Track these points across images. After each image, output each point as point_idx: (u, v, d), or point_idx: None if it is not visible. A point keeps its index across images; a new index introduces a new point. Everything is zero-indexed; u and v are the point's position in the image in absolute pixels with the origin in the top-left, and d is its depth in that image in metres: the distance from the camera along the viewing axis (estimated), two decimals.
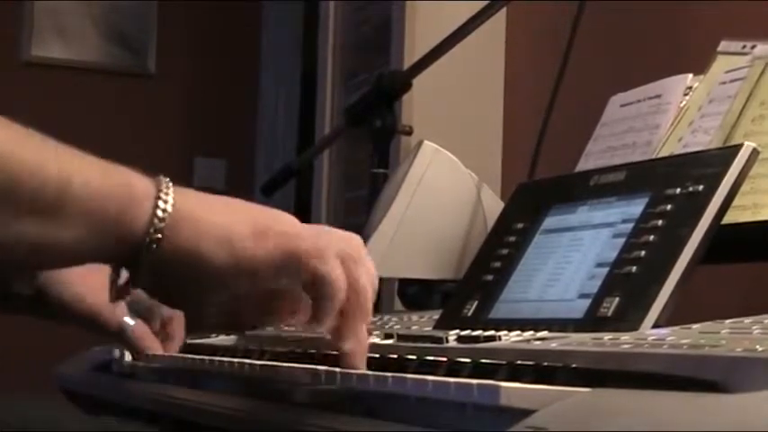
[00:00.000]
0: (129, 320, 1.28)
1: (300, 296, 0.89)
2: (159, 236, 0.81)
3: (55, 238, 0.79)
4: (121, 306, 1.28)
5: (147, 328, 1.29)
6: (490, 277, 1.13)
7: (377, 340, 1.03)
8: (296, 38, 4.33)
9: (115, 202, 0.81)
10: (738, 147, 0.97)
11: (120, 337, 1.29)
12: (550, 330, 0.96)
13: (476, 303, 1.12)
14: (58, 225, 0.79)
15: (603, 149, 1.41)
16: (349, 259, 0.87)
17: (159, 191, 0.82)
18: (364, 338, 0.89)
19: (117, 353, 1.33)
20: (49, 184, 0.78)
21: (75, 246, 0.81)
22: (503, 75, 2.65)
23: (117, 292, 0.87)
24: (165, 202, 0.82)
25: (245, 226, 0.84)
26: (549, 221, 1.12)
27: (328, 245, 0.86)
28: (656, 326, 0.90)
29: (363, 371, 0.85)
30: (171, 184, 0.84)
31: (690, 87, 1.33)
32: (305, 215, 3.31)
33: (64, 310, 1.27)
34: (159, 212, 0.81)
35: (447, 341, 0.94)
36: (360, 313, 0.88)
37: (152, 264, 0.81)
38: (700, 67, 1.33)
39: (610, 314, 0.94)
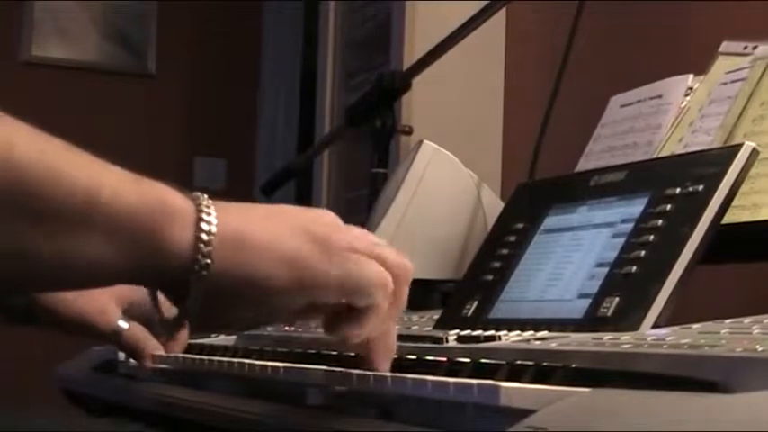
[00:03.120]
0: (122, 323, 1.26)
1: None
2: (208, 260, 0.74)
3: (80, 253, 0.73)
4: (113, 309, 1.27)
5: (143, 330, 1.27)
6: (490, 277, 1.13)
7: None
8: (296, 38, 4.33)
9: (149, 217, 0.74)
10: (738, 147, 0.97)
11: (115, 340, 1.28)
12: (550, 330, 0.97)
13: (476, 303, 1.12)
14: (84, 239, 0.73)
15: (604, 149, 1.41)
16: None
17: (199, 209, 0.76)
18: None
19: (122, 355, 1.33)
20: (76, 195, 0.72)
21: (102, 263, 0.74)
22: (502, 74, 2.65)
23: (169, 328, 0.80)
24: (209, 222, 0.75)
25: (302, 239, 0.78)
26: (549, 221, 1.12)
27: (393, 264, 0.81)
28: (655, 326, 0.90)
29: (365, 371, 0.84)
30: (210, 200, 0.77)
31: (690, 88, 1.33)
32: None
33: (54, 315, 1.25)
34: (204, 235, 0.74)
35: (447, 341, 0.94)
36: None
37: (203, 290, 0.75)
38: (700, 68, 1.33)
39: (610, 314, 0.94)
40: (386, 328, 0.83)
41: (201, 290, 0.75)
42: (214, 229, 0.75)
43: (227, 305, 0.77)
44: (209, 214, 0.75)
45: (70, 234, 0.72)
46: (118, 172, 0.75)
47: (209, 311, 0.77)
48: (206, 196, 0.77)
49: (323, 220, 0.81)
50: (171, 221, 0.74)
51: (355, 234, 0.82)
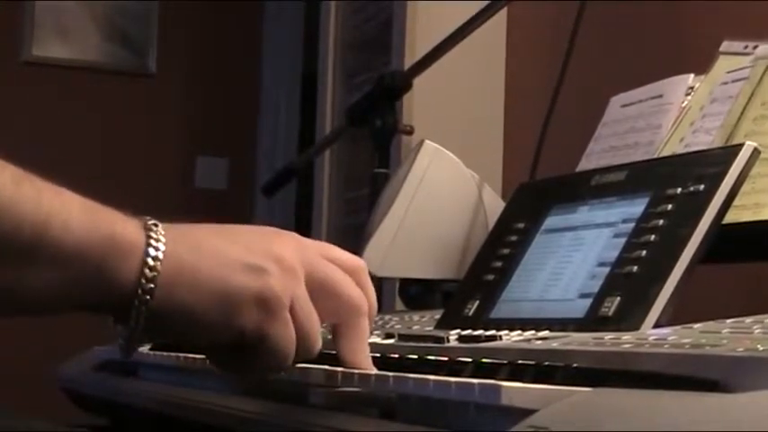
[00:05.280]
0: None
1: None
2: (149, 296, 0.76)
3: (25, 286, 0.74)
4: None
5: None
6: (491, 277, 1.13)
7: (378, 340, 1.03)
8: (297, 37, 4.34)
9: (96, 252, 0.75)
10: (739, 146, 0.97)
11: None
12: (551, 330, 0.96)
13: (477, 303, 1.12)
14: (29, 273, 0.73)
15: (605, 149, 1.41)
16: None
17: (149, 241, 0.77)
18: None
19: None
20: (23, 230, 0.72)
21: (47, 295, 0.75)
22: (504, 74, 2.65)
23: (127, 350, 0.81)
24: (156, 258, 0.76)
25: (245, 280, 0.79)
26: (551, 221, 1.12)
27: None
28: (657, 325, 0.90)
29: (365, 371, 0.84)
30: (161, 229, 0.78)
31: (691, 87, 1.33)
32: (306, 215, 3.32)
33: None
34: (147, 271, 0.76)
35: (448, 341, 0.94)
36: None
37: (143, 319, 0.77)
38: (701, 68, 1.33)
39: (611, 314, 0.94)
40: (358, 322, 0.85)
41: (141, 320, 0.76)
42: (159, 265, 0.76)
43: (166, 331, 0.80)
44: (157, 249, 0.76)
45: (15, 268, 0.73)
46: (69, 202, 0.75)
47: (152, 334, 0.79)
48: (159, 225, 0.78)
49: (281, 253, 0.81)
50: (118, 256, 0.76)
51: (308, 258, 0.83)
